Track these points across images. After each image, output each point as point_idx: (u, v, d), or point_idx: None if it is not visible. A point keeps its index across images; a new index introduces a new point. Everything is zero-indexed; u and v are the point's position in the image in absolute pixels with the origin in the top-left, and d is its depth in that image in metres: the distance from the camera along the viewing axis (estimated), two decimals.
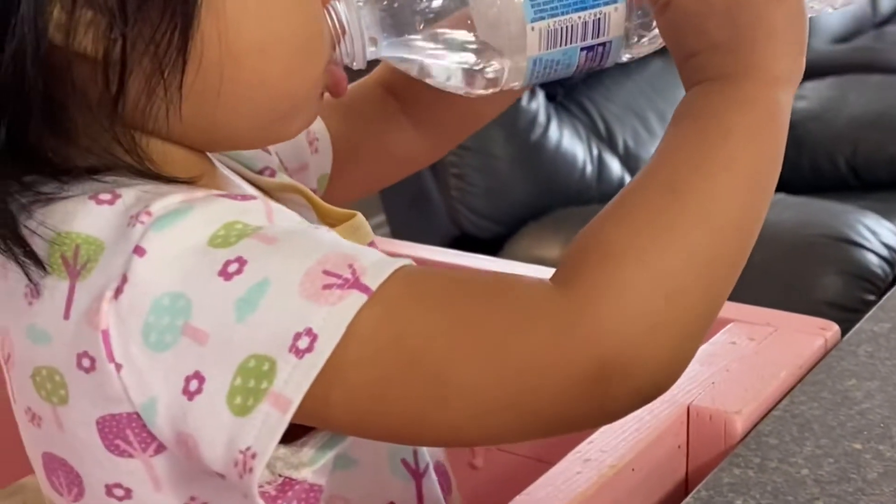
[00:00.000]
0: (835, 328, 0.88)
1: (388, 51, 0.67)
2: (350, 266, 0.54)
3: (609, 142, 2.29)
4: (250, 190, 0.70)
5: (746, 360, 0.84)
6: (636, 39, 0.69)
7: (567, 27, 0.65)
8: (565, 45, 0.66)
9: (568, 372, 0.53)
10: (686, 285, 0.55)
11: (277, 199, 0.73)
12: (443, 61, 0.68)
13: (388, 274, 0.54)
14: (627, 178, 2.29)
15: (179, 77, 0.57)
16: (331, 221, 0.72)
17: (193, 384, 0.54)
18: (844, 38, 2.94)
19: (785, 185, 2.20)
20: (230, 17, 0.58)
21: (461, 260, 1.07)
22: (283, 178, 0.76)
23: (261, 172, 0.75)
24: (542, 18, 0.65)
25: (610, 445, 0.74)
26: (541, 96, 2.16)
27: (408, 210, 2.19)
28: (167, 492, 0.59)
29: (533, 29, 0.65)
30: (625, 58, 0.69)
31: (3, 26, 0.54)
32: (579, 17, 0.65)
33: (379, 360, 0.54)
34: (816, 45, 2.84)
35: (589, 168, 2.23)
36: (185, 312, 0.54)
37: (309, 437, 0.58)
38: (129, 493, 0.59)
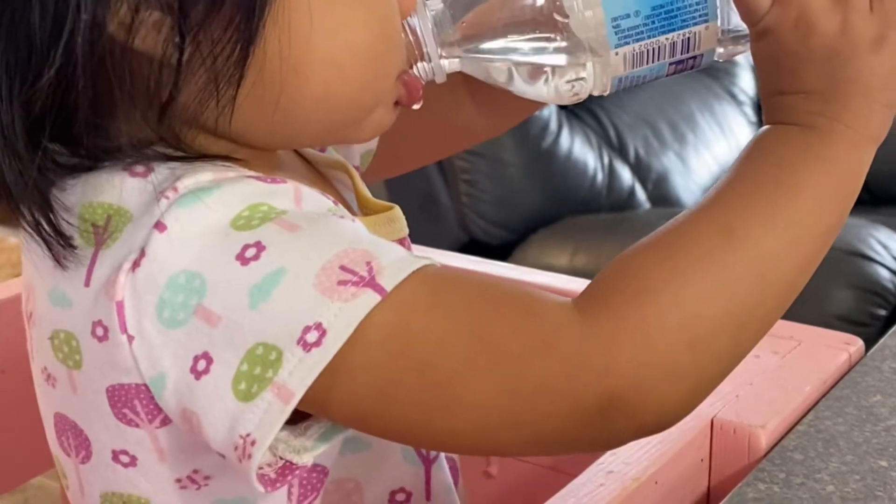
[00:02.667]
0: (859, 343, 0.87)
1: (468, 65, 0.66)
2: (368, 263, 0.53)
3: (620, 150, 2.28)
4: (293, 164, 0.69)
5: (770, 374, 0.83)
6: (732, 46, 0.66)
7: (654, 49, 0.63)
8: (652, 63, 0.64)
9: (578, 400, 0.53)
10: (716, 335, 0.54)
11: (323, 175, 0.72)
12: (525, 73, 0.66)
13: (406, 275, 0.53)
14: (637, 187, 2.28)
15: (234, 89, 0.57)
16: (367, 211, 0.71)
17: (201, 364, 0.54)
18: None
19: None
20: (299, 30, 0.57)
21: (471, 265, 1.06)
22: (332, 153, 0.74)
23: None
24: (627, 43, 0.63)
25: (633, 458, 0.73)
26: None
27: (417, 214, 2.16)
28: (171, 463, 0.59)
29: (617, 54, 0.63)
30: (719, 58, 0.67)
31: (60, 19, 0.54)
32: (667, 39, 0.63)
33: (387, 363, 0.53)
34: None
35: (599, 176, 2.23)
36: (200, 293, 0.54)
37: (312, 422, 0.58)
38: (133, 460, 0.60)
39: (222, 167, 0.58)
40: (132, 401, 0.57)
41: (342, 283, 0.52)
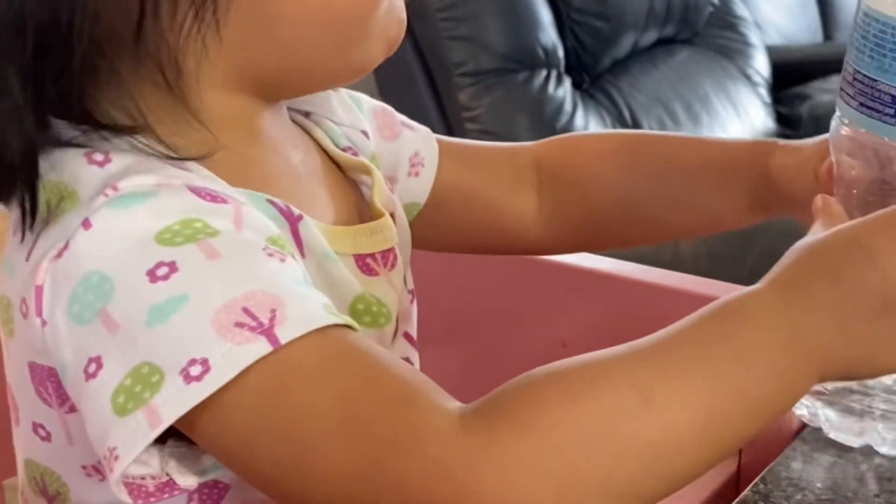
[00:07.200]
0: None
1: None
2: (273, 310, 0.52)
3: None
4: (311, 165, 0.69)
5: None
6: None
7: None
8: None
9: None
10: (589, 497, 0.49)
11: (350, 177, 0.73)
12: None
13: (305, 332, 0.52)
14: None
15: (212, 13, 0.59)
16: (372, 213, 0.71)
17: (92, 367, 0.54)
18: None
19: None
20: None
21: None
22: (362, 158, 0.74)
23: (344, 150, 0.74)
24: None
25: None
26: (567, 84, 2.15)
27: None
28: (77, 449, 0.60)
29: None
30: None
31: None
32: None
33: (257, 412, 0.52)
34: (842, 40, 2.83)
35: None
36: (106, 297, 0.54)
37: None
38: (49, 436, 0.61)
39: (172, 171, 0.58)
40: (45, 382, 0.59)
41: (239, 324, 0.52)
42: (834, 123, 0.71)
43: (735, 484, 0.78)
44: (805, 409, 0.74)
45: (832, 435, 0.72)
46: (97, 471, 0.60)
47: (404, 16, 0.66)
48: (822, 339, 0.54)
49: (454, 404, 0.52)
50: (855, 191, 0.70)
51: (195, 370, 0.51)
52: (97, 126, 0.59)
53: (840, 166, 0.71)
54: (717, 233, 0.87)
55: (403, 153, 0.80)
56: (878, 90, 0.65)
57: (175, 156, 0.59)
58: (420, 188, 0.81)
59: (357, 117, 0.76)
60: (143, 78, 0.60)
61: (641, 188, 0.82)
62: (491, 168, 0.84)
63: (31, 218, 0.58)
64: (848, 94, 0.67)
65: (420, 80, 2.04)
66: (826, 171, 0.73)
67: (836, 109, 0.70)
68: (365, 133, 0.76)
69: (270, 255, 0.56)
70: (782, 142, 0.80)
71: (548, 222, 0.84)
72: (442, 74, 2.03)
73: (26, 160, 0.58)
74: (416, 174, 0.81)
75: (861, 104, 0.66)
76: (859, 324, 0.54)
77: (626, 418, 0.50)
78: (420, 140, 0.81)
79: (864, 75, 0.66)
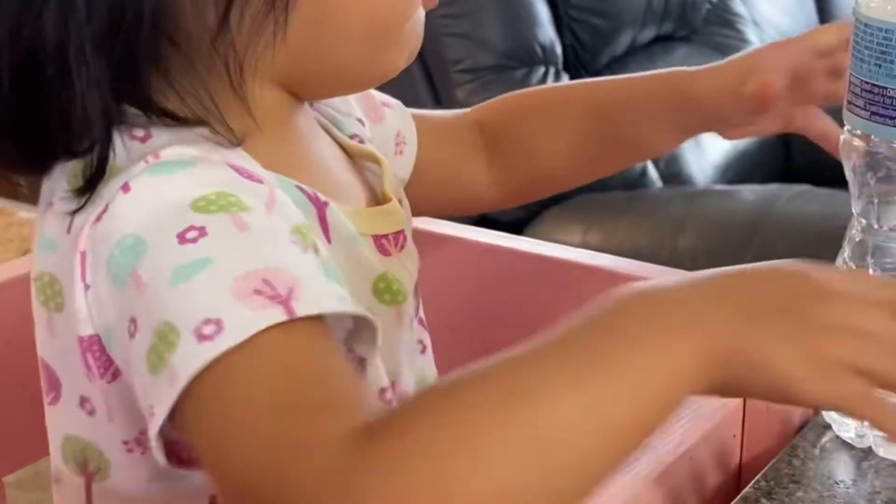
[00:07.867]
0: None
1: None
2: (291, 287, 0.53)
3: None
4: (329, 152, 0.71)
5: None
6: None
7: None
8: None
9: None
10: None
11: (357, 164, 0.76)
12: None
13: (317, 312, 0.53)
14: (650, 165, 2.27)
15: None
16: (385, 200, 0.74)
17: (131, 328, 0.55)
18: None
19: (810, 178, 2.18)
20: None
21: (487, 238, 1.06)
22: (369, 145, 0.77)
23: (351, 138, 0.77)
24: None
25: (668, 433, 0.72)
26: (565, 79, 2.14)
27: None
28: (118, 423, 0.61)
29: None
30: None
31: None
32: None
33: (246, 383, 0.52)
34: None
35: None
36: (138, 259, 0.55)
37: None
38: (93, 411, 0.62)
39: (211, 148, 0.60)
40: (86, 353, 0.60)
41: (258, 292, 0.53)
42: (843, 138, 0.71)
43: (737, 481, 0.78)
44: (853, 430, 0.73)
45: (881, 452, 0.71)
46: (139, 444, 0.61)
47: (422, 23, 0.68)
48: (712, 316, 0.52)
49: (375, 411, 0.51)
50: (876, 200, 0.70)
51: (209, 329, 0.52)
52: (168, 117, 0.61)
53: (856, 177, 0.71)
54: (651, 158, 0.98)
55: (389, 134, 0.83)
56: (889, 97, 0.66)
57: (235, 142, 0.61)
58: (405, 165, 0.85)
59: (350, 105, 0.79)
60: (213, 73, 0.62)
61: (577, 134, 0.87)
62: (448, 136, 0.89)
63: (93, 182, 0.59)
64: (857, 106, 0.68)
65: (418, 77, 2.03)
66: (756, 88, 0.78)
67: (845, 123, 0.70)
68: (360, 121, 0.79)
69: (294, 242, 0.57)
70: (696, 68, 0.87)
71: (499, 180, 0.89)
72: (440, 71, 2.03)
73: (104, 121, 0.59)
74: (401, 152, 0.84)
75: (873, 113, 0.67)
76: (757, 313, 0.52)
77: (494, 422, 0.48)
78: (399, 117, 0.85)
79: (874, 84, 0.66)
